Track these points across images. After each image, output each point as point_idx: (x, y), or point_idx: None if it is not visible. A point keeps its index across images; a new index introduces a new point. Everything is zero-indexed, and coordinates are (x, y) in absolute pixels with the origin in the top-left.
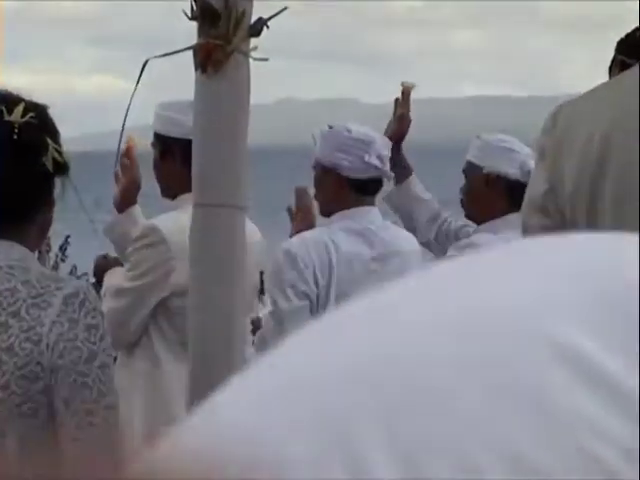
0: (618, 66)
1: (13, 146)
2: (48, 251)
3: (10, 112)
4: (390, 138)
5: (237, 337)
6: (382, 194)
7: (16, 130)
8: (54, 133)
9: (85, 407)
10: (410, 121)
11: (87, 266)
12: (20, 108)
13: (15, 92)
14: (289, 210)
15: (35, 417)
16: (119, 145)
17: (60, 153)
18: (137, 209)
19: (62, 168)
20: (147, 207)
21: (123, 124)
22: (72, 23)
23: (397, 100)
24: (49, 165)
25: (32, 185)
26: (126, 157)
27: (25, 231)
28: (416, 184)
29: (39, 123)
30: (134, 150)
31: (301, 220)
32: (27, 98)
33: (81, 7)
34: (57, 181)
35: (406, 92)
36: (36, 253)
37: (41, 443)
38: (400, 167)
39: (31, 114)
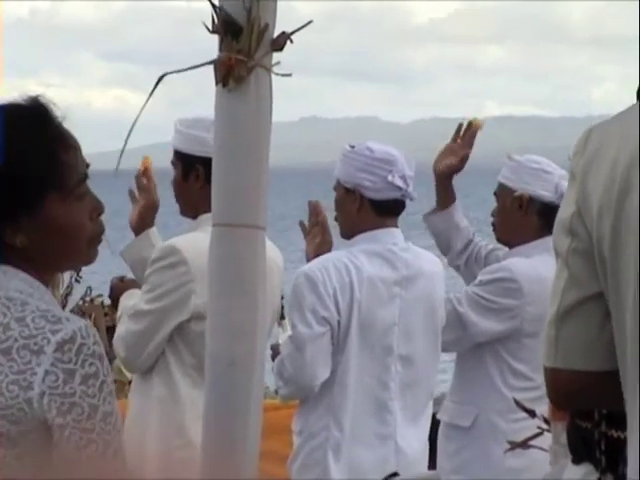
0: None
1: None
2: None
3: None
4: (445, 168)
5: (257, 362)
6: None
7: None
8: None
9: (81, 427)
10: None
11: (102, 286)
12: None
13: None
14: (302, 225)
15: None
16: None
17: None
18: (154, 231)
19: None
20: (164, 227)
21: (126, 140)
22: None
23: (460, 127)
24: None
25: None
26: (144, 177)
27: (7, 256)
28: (458, 212)
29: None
30: (151, 170)
31: (319, 240)
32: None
33: (93, 18)
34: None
35: (475, 129)
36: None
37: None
38: (446, 193)
39: None
